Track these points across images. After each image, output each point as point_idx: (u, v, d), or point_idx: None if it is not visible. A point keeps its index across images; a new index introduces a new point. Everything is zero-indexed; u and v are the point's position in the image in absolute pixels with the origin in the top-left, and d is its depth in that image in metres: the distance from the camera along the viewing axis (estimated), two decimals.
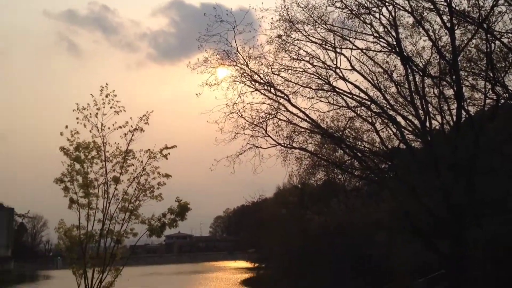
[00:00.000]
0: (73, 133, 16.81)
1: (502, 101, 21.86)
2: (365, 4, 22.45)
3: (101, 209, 16.85)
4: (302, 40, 23.44)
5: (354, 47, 23.61)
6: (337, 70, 23.31)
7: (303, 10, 22.96)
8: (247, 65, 22.87)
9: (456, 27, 21.39)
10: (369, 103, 23.60)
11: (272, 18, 22.95)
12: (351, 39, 23.48)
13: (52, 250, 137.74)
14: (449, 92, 22.85)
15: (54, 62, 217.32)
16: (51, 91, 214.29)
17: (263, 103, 23.49)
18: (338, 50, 23.30)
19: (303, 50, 23.57)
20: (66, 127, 16.88)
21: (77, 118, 16.81)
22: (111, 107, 16.83)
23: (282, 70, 23.48)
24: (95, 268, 16.57)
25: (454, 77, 21.28)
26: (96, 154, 17.00)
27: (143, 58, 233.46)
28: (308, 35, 23.34)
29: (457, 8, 20.73)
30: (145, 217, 17.36)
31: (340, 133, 23.38)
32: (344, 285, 33.42)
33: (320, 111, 23.78)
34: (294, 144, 23.94)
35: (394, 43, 22.64)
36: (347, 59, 23.69)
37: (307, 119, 23.65)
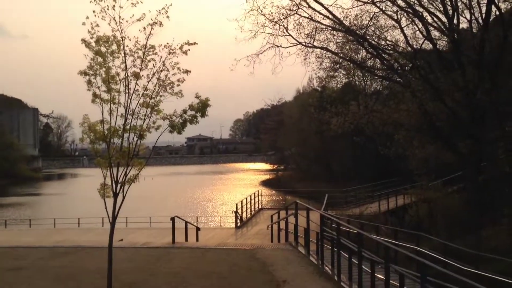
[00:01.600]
0: (93, 26, 16.71)
1: None
2: None
3: (123, 104, 17.15)
4: None
5: None
6: None
7: None
8: None
9: None
10: None
11: None
12: None
13: (78, 150, 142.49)
14: None
15: None
16: None
17: None
18: None
19: None
20: (87, 17, 16.67)
21: (94, 11, 16.59)
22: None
23: None
24: (119, 161, 17.18)
25: None
26: (116, 49, 16.91)
27: None
28: None
29: None
30: (166, 114, 17.68)
31: (363, 30, 22.69)
32: (361, 185, 34.20)
33: (344, 8, 23.01)
34: (315, 43, 23.44)
35: None
36: None
37: (330, 16, 22.92)
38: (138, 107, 17.27)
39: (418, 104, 22.14)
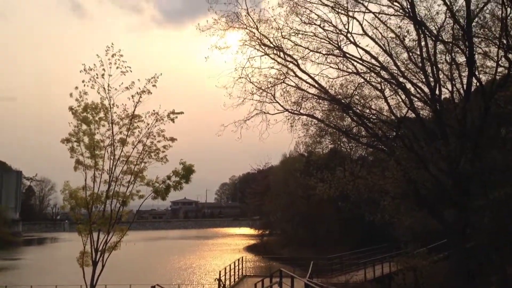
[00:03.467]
0: (81, 94, 16.77)
1: None
2: None
3: (107, 170, 16.89)
4: (314, 3, 22.99)
5: (367, 11, 23.13)
6: (348, 35, 22.93)
7: None
8: (257, 28, 22.56)
9: None
10: (379, 69, 23.26)
11: None
12: (364, 3, 23.03)
13: (59, 213, 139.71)
14: (461, 59, 22.47)
15: (58, 22, 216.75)
16: (57, 51, 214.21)
17: (272, 67, 23.25)
18: (350, 13, 22.83)
19: (315, 14, 23.12)
20: (76, 88, 16.81)
21: (83, 81, 16.73)
22: (117, 67, 16.75)
23: (293, 34, 23.13)
24: (101, 229, 16.75)
25: (467, 43, 20.86)
26: (103, 116, 17.01)
27: (147, 21, 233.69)
28: None
29: None
30: (150, 179, 17.41)
31: (348, 99, 23.11)
32: (347, 251, 33.72)
33: (329, 77, 23.52)
34: (301, 111, 23.74)
35: (408, 7, 22.20)
36: (359, 23, 23.29)
37: (316, 85, 23.44)
38: (122, 174, 17.30)
39: (403, 172, 22.21)
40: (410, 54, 23.15)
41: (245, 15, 22.36)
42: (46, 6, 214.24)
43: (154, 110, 17.48)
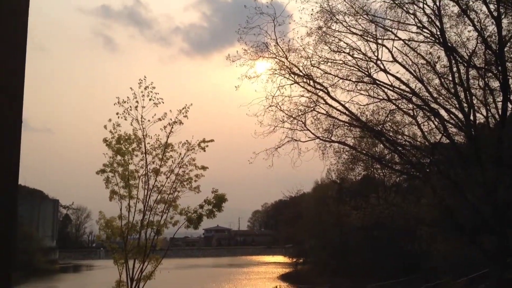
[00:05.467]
0: (114, 126, 17.12)
1: None
2: None
3: (142, 200, 17.12)
4: (343, 32, 23.11)
5: (396, 38, 23.07)
6: (378, 62, 22.83)
7: (344, 0, 22.66)
8: (286, 58, 22.77)
9: (503, 16, 20.65)
10: (410, 95, 22.99)
11: (312, 10, 22.73)
12: (393, 30, 22.95)
13: (95, 241, 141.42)
14: (495, 84, 22.07)
15: (91, 57, 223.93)
16: (91, 85, 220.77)
17: (302, 96, 23.32)
18: (379, 41, 22.84)
19: (344, 42, 23.26)
20: (110, 120, 17.15)
21: (117, 113, 17.02)
22: (150, 99, 17.05)
23: (322, 62, 23.20)
24: (136, 258, 16.88)
25: (500, 68, 20.54)
26: (136, 146, 17.31)
27: (176, 52, 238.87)
28: (349, 26, 22.94)
29: None
30: (183, 208, 17.56)
31: (380, 126, 22.90)
32: (383, 281, 32.90)
33: (360, 104, 23.41)
34: (333, 138, 23.66)
35: (438, 33, 21.99)
36: (389, 50, 23.19)
37: (347, 112, 23.33)
38: (156, 203, 17.53)
39: (439, 199, 21.76)
40: (442, 79, 22.89)
41: (274, 45, 22.65)
42: (81, 40, 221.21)
43: (187, 141, 17.64)
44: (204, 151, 17.73)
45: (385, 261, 43.42)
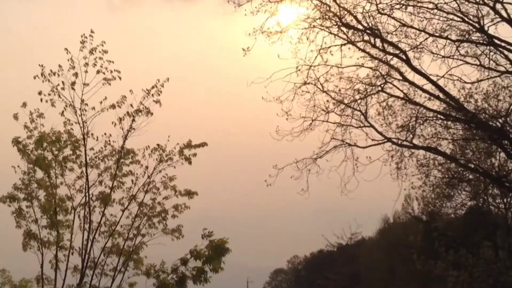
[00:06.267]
0: (33, 117, 10.59)
1: None
2: None
3: (78, 250, 10.65)
4: None
5: None
6: (498, 6, 14.28)
7: None
8: None
9: None
10: None
11: None
12: None
13: None
14: None
15: None
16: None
17: (361, 66, 15.07)
18: None
19: None
20: (24, 105, 10.78)
21: (40, 94, 10.95)
22: (97, 72, 10.61)
23: (397, 6, 14.99)
24: None
25: None
26: (71, 154, 10.90)
27: None
28: None
29: None
30: (152, 265, 10.79)
31: (502, 120, 14.72)
32: None
33: (465, 82, 15.16)
34: (415, 141, 15.60)
35: None
36: None
37: (440, 95, 15.15)
38: (104, 255, 10.91)
39: None
40: None
41: None
42: None
43: (158, 145, 10.94)
44: (190, 163, 11.17)
45: None
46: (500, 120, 15.06)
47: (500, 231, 19.35)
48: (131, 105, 10.54)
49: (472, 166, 16.45)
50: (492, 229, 20.18)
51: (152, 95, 10.64)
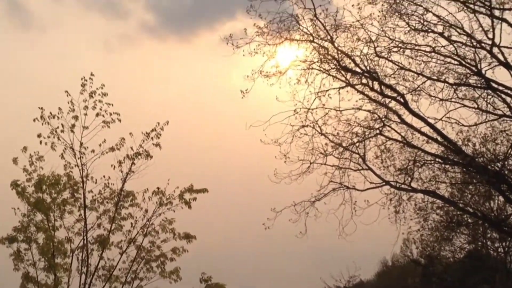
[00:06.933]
0: (33, 160, 10.39)
1: None
2: None
3: None
4: None
5: None
6: (494, 50, 14.15)
7: None
8: (332, 41, 14.49)
9: None
10: None
11: None
12: None
13: None
14: None
15: None
16: None
17: (360, 108, 14.88)
18: (496, 12, 14.05)
19: (433, 13, 14.62)
20: (25, 149, 10.53)
21: (39, 136, 10.58)
22: (97, 115, 10.74)
23: (394, 50, 14.82)
24: None
25: None
26: (70, 197, 10.94)
27: (134, 29, 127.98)
28: None
29: None
30: None
31: (500, 164, 14.40)
32: None
33: (462, 125, 14.92)
34: (413, 184, 15.10)
35: None
36: None
37: (438, 139, 14.81)
38: None
39: None
40: None
41: (311, 19, 14.44)
42: None
43: (158, 188, 10.74)
44: (190, 207, 11.15)
45: None
46: (498, 164, 14.87)
47: (499, 275, 18.80)
48: (131, 148, 10.54)
49: (471, 209, 16.04)
50: (491, 273, 19.58)
51: (152, 138, 10.72)
